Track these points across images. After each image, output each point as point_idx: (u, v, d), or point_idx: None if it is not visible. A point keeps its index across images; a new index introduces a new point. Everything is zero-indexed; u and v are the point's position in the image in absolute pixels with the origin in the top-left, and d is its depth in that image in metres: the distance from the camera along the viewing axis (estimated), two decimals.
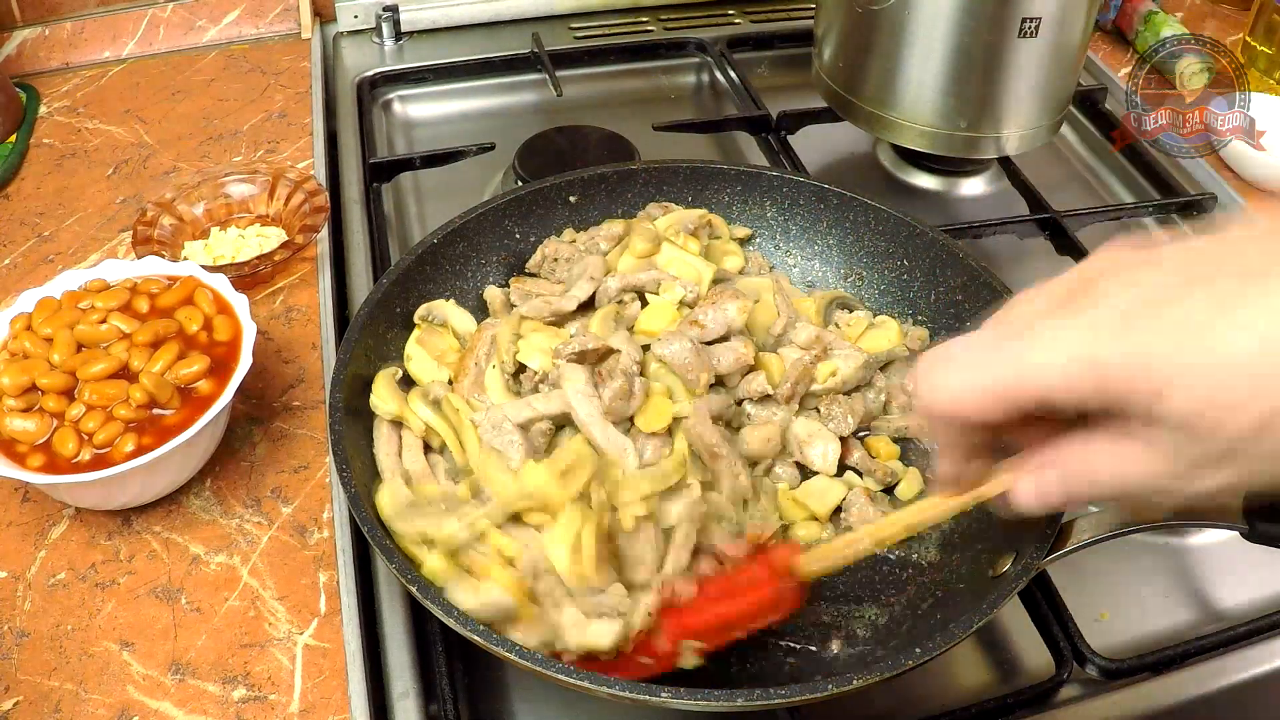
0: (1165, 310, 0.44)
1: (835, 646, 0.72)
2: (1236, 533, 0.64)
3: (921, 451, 0.84)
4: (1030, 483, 0.54)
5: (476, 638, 0.62)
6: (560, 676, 0.60)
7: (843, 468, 0.82)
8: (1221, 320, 0.43)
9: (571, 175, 0.95)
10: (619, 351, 0.77)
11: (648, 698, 0.60)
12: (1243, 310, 0.43)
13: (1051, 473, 0.53)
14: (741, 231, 0.97)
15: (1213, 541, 0.84)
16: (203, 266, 0.89)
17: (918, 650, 0.62)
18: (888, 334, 0.89)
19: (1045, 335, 0.48)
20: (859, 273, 0.95)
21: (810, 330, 0.85)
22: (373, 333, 0.82)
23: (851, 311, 0.93)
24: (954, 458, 0.58)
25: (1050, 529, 0.67)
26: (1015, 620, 0.78)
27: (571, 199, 0.95)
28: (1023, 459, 0.55)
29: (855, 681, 0.61)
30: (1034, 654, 0.76)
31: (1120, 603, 0.81)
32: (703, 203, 0.98)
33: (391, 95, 1.32)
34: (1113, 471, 0.50)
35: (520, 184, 0.96)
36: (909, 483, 0.82)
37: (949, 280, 0.89)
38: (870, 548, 0.66)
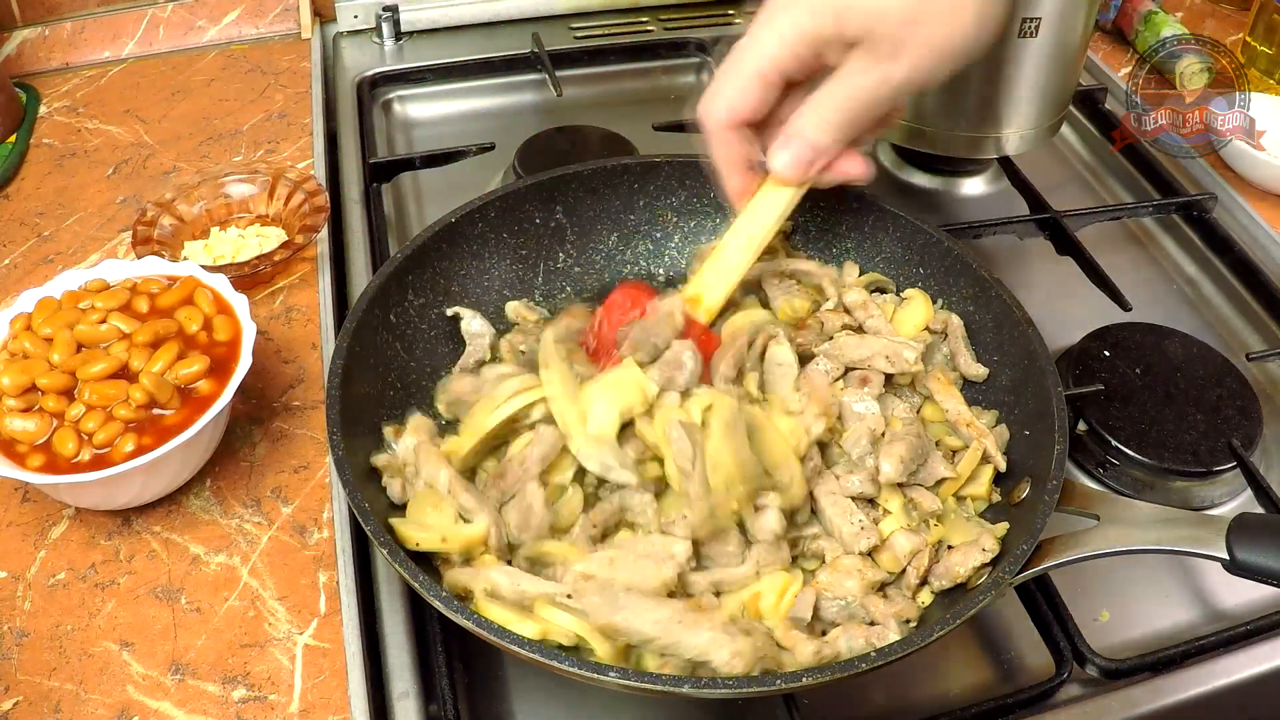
0: None
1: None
2: (1219, 563, 0.64)
3: None
4: (784, 153, 0.75)
5: (476, 628, 0.62)
6: (559, 665, 0.61)
7: None
8: None
9: (595, 164, 0.95)
10: None
11: (645, 685, 0.60)
12: None
13: (795, 138, 0.74)
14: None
15: None
16: (203, 266, 0.89)
17: (872, 654, 0.63)
18: (917, 310, 0.89)
19: (760, 28, 0.72)
20: (873, 277, 0.95)
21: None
22: (383, 305, 0.83)
23: (884, 293, 0.93)
24: (736, 171, 0.79)
25: (1027, 545, 0.67)
26: (1015, 620, 0.78)
27: (594, 188, 0.95)
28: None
29: (809, 678, 0.62)
30: (1034, 654, 0.76)
31: (1120, 603, 0.81)
32: (724, 199, 0.97)
33: (391, 95, 1.32)
34: (835, 105, 0.71)
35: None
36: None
37: (961, 290, 0.89)
38: (743, 263, 0.82)
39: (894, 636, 0.68)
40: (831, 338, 0.87)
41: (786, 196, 0.79)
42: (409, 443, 0.77)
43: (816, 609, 0.71)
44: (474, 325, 0.89)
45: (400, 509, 0.75)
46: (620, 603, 0.66)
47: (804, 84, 0.75)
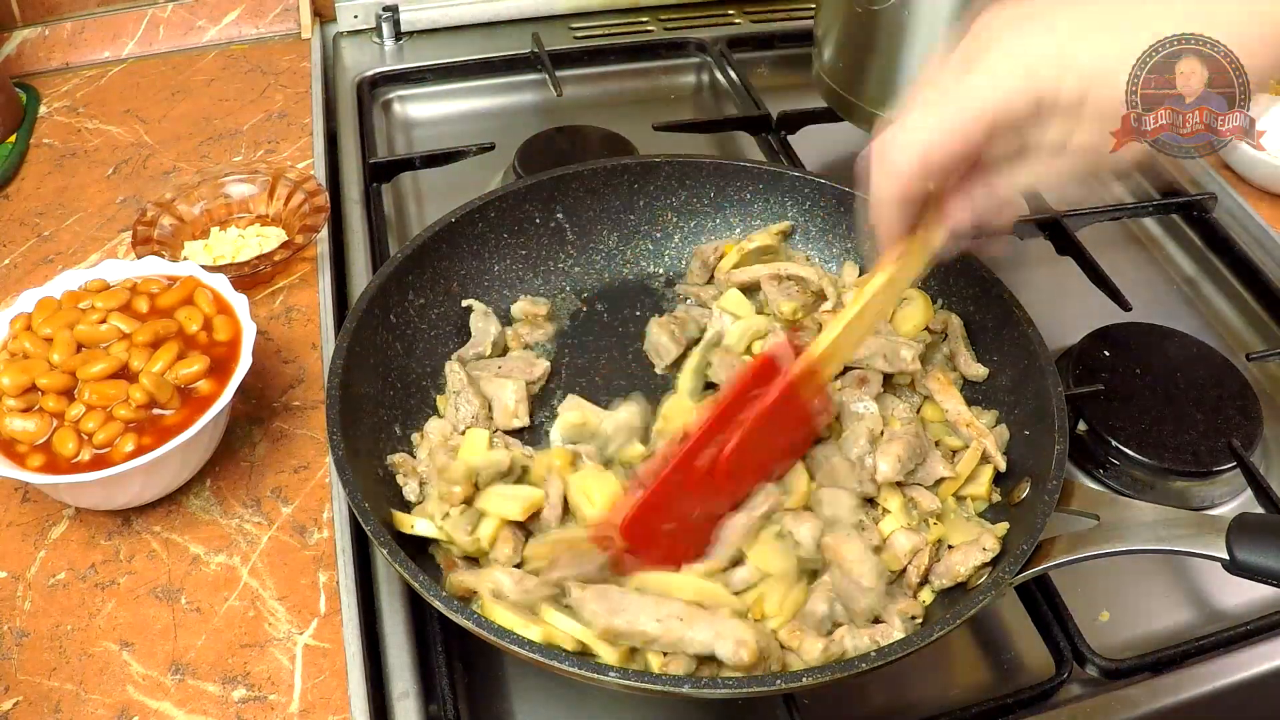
0: (1059, 23, 0.57)
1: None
2: (1219, 563, 0.64)
3: None
4: (964, 203, 0.65)
5: (476, 628, 0.62)
6: (560, 666, 0.61)
7: None
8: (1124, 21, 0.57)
9: (595, 164, 0.96)
10: None
11: (645, 685, 0.60)
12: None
13: (978, 189, 0.64)
14: (783, 225, 0.97)
15: None
16: (203, 266, 0.89)
17: (871, 654, 0.63)
18: (916, 310, 0.89)
19: (985, 68, 0.58)
20: None
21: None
22: (383, 304, 0.83)
23: None
24: (899, 227, 0.67)
25: (1027, 545, 0.67)
26: (1015, 620, 0.78)
27: (594, 188, 0.96)
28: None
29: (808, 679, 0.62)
30: (1034, 654, 0.76)
31: (1120, 603, 0.81)
32: (724, 199, 0.98)
33: (391, 95, 1.32)
34: (1030, 177, 0.61)
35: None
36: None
37: (961, 291, 0.89)
38: (868, 324, 0.74)
39: (899, 634, 0.68)
40: None
41: (924, 261, 0.70)
42: (428, 450, 0.80)
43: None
44: (481, 322, 0.89)
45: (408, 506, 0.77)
46: (619, 605, 0.66)
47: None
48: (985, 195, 0.64)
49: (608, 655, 0.66)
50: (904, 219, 0.66)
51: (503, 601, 0.68)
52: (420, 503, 0.77)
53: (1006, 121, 0.58)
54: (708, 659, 0.66)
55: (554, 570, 0.68)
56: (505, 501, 0.74)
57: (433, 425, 0.83)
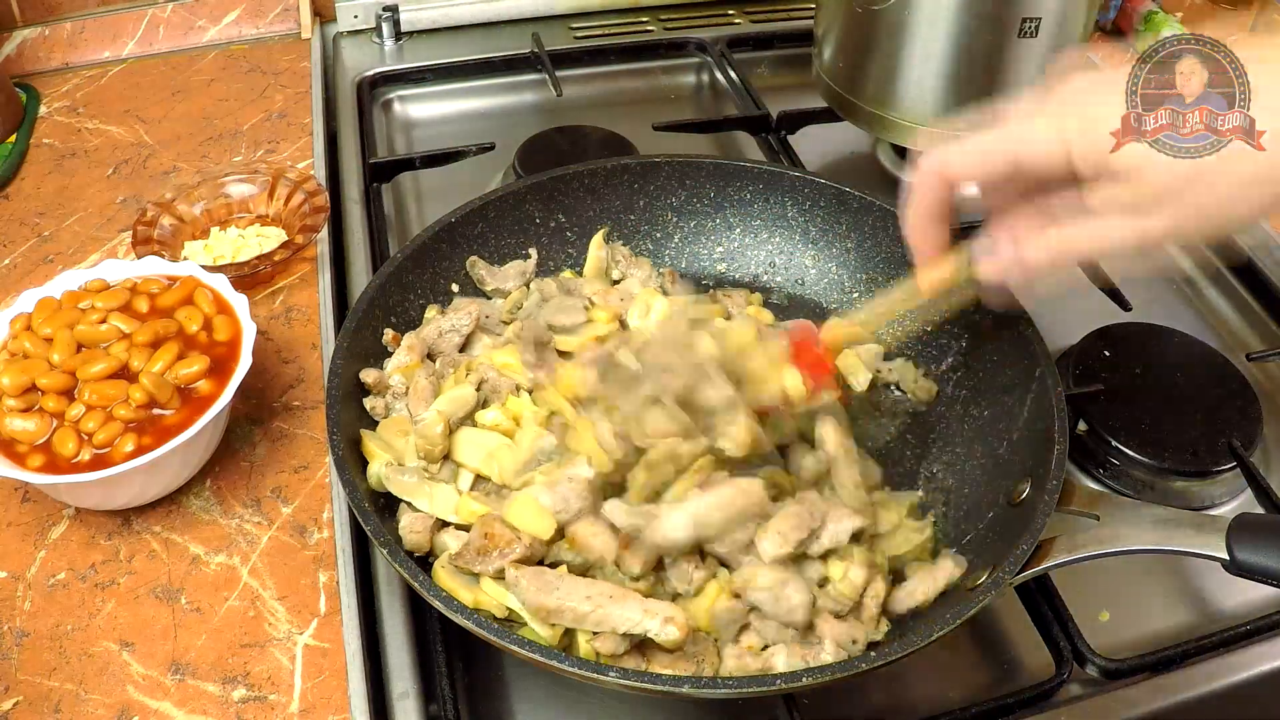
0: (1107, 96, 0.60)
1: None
2: (1219, 563, 0.64)
3: None
4: (992, 260, 0.68)
5: (476, 628, 0.62)
6: (559, 665, 0.61)
7: None
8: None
9: (595, 164, 0.96)
10: None
11: (645, 685, 0.60)
12: None
13: (1009, 250, 0.66)
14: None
15: None
16: (203, 266, 0.89)
17: (872, 655, 0.63)
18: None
19: (1025, 113, 0.63)
20: (875, 278, 0.94)
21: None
22: (383, 305, 0.83)
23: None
24: (926, 225, 0.70)
25: (1027, 546, 0.67)
26: (1015, 620, 0.78)
27: (594, 188, 0.96)
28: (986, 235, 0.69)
29: (806, 679, 0.62)
30: (1034, 654, 0.76)
31: (1120, 603, 0.81)
32: (724, 199, 0.98)
33: (391, 95, 1.32)
34: (1073, 243, 0.63)
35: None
36: None
37: (960, 289, 0.89)
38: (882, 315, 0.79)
39: (828, 656, 0.67)
40: None
41: (950, 278, 0.73)
42: (400, 360, 0.82)
43: (755, 628, 0.70)
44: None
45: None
46: (551, 585, 0.67)
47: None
48: (1031, 241, 0.65)
49: (537, 626, 0.67)
50: (929, 233, 0.70)
51: (446, 568, 0.70)
52: (386, 417, 0.80)
53: (1031, 164, 0.62)
54: (638, 644, 0.67)
55: (489, 559, 0.69)
56: (478, 452, 0.76)
57: (413, 340, 0.84)
